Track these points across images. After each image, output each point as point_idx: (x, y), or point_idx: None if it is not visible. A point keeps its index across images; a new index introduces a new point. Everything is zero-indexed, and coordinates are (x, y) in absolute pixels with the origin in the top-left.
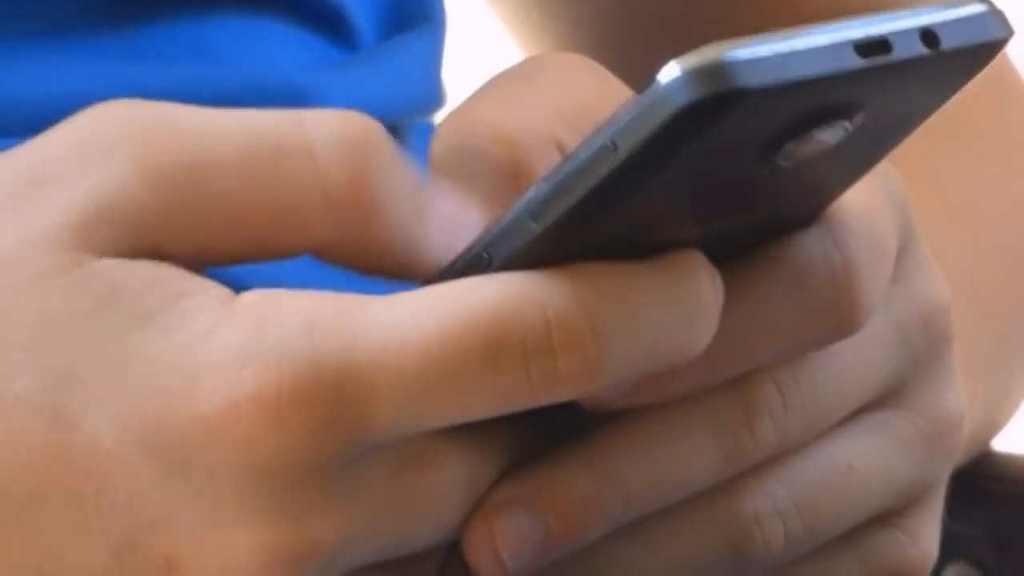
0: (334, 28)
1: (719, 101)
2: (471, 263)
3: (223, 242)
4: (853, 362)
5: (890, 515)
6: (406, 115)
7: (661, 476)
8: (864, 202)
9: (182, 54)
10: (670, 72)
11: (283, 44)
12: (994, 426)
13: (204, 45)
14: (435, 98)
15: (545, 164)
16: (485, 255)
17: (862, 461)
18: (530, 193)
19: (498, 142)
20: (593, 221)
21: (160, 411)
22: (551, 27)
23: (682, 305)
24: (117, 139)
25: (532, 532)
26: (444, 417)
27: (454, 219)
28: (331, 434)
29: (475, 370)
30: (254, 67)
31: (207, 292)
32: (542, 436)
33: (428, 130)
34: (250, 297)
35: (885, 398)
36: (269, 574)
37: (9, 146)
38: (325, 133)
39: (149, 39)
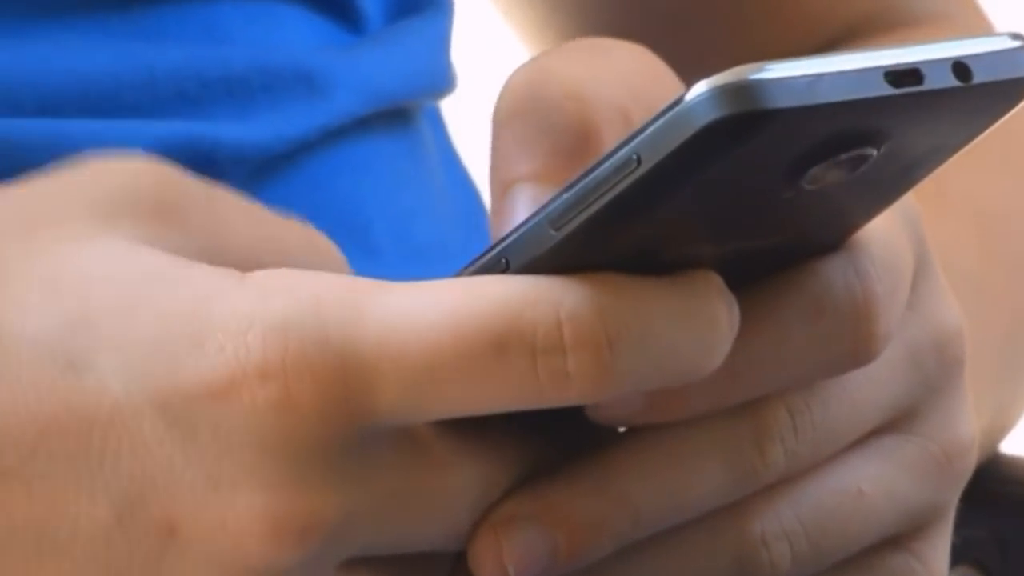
0: (342, 10)
1: (745, 120)
2: (488, 266)
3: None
4: (865, 387)
5: (901, 538)
6: (415, 98)
7: (670, 496)
8: (883, 229)
9: (191, 34)
10: (697, 90)
11: (292, 25)
12: (1001, 430)
13: (213, 26)
14: (444, 81)
15: (612, 130)
16: (503, 259)
17: (871, 485)
18: (552, 201)
19: (571, 99)
20: (612, 233)
21: (167, 364)
22: (555, 22)
23: (695, 323)
24: (128, 168)
25: (540, 548)
26: (448, 406)
27: None
28: (335, 410)
29: (483, 359)
30: (262, 48)
31: (215, 267)
32: (553, 452)
33: (435, 115)
34: (260, 272)
35: (896, 422)
36: (271, 541)
37: (21, 125)
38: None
39: (158, 19)
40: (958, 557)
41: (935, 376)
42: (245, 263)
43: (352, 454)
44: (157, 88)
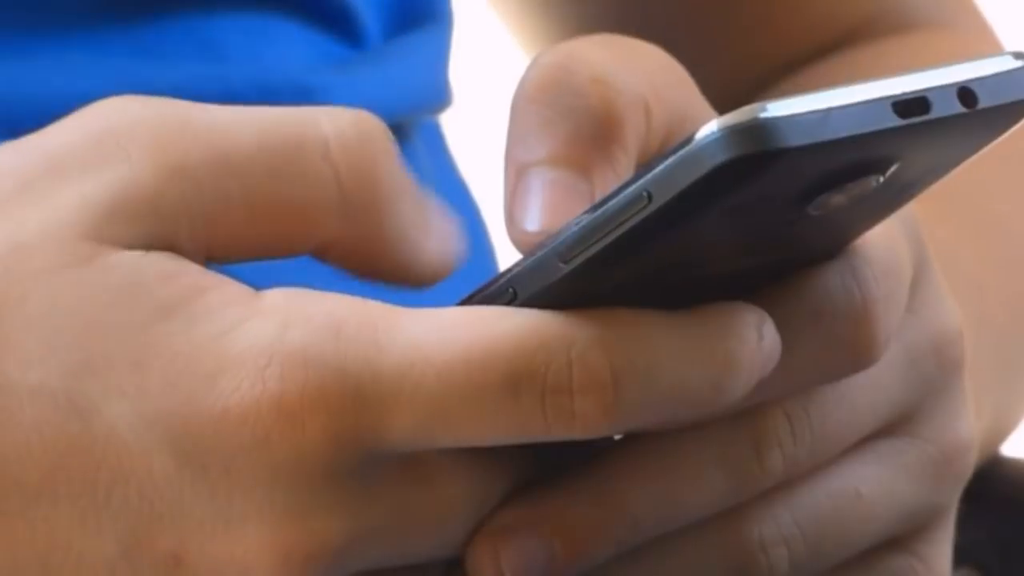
0: (341, 26)
1: (756, 160)
2: (495, 295)
3: (236, 239)
4: (864, 390)
5: (902, 540)
6: (412, 114)
7: (668, 503)
8: (881, 234)
9: (190, 52)
10: (708, 129)
11: (290, 42)
12: (1001, 432)
13: (211, 43)
14: (442, 97)
15: (633, 120)
16: (511, 289)
17: (870, 488)
18: (560, 233)
19: (597, 83)
20: (621, 267)
21: (180, 405)
22: (553, 30)
23: (706, 360)
24: (135, 134)
25: (537, 555)
26: (457, 437)
27: (448, 231)
28: (347, 440)
29: (494, 397)
30: (261, 66)
31: (228, 287)
32: (550, 459)
33: (434, 129)
34: (275, 295)
35: (895, 425)
36: (276, 571)
37: None
38: (339, 130)
39: (157, 37)
40: (958, 559)
41: (934, 378)
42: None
43: (358, 479)
44: None
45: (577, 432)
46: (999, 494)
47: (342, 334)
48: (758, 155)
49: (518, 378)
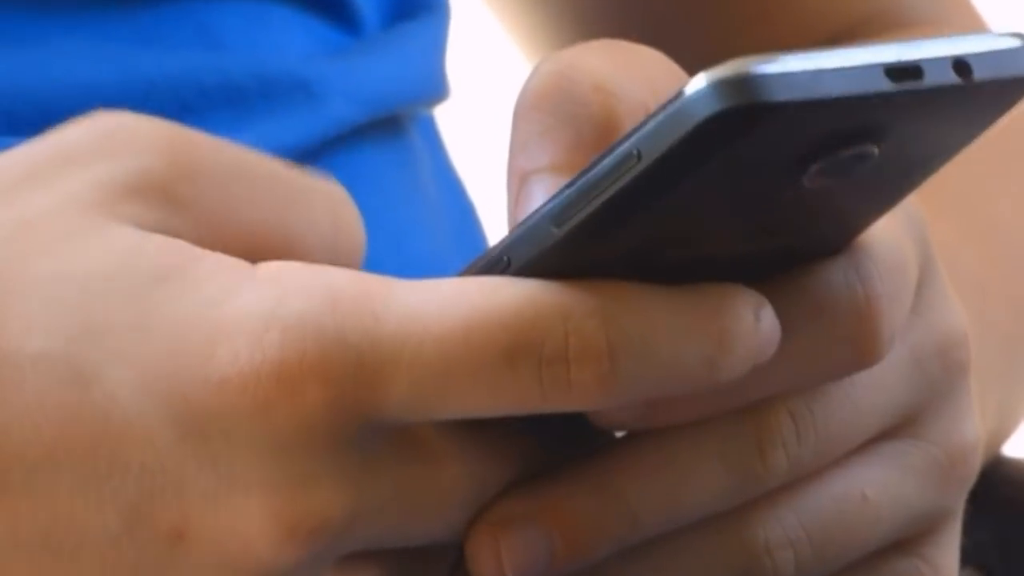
0: (338, 14)
1: (744, 113)
2: (490, 264)
3: (229, 250)
4: (869, 391)
5: (908, 543)
6: (409, 104)
7: (669, 500)
8: (887, 231)
9: (187, 39)
10: (696, 83)
11: (287, 30)
12: (1004, 432)
13: (209, 30)
14: (439, 89)
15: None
16: (505, 258)
17: (875, 490)
18: (553, 198)
19: (599, 91)
20: (614, 230)
21: (180, 372)
22: (549, 25)
23: (701, 337)
24: (148, 134)
25: (538, 549)
26: (454, 407)
27: None
28: (346, 409)
29: (492, 366)
30: (259, 53)
31: (224, 257)
32: (552, 452)
33: (429, 123)
34: (270, 266)
35: (900, 427)
36: (278, 543)
37: (21, 142)
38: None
39: (155, 24)
40: (961, 560)
41: (939, 380)
42: (262, 241)
43: (357, 453)
44: (159, 99)
45: (573, 403)
46: (1001, 495)
47: (340, 304)
48: (746, 107)
49: (515, 348)
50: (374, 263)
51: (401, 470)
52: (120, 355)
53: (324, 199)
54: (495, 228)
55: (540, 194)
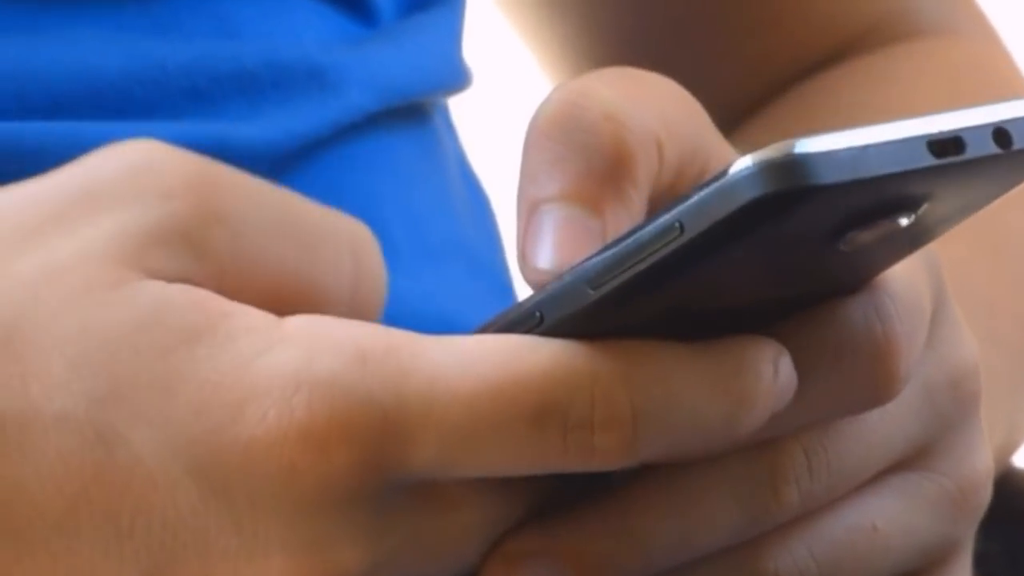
0: (353, 5)
1: (790, 197)
2: (521, 319)
3: (248, 299)
4: (881, 425)
5: (919, 574)
6: (427, 93)
7: (681, 535)
8: (904, 269)
9: (202, 27)
10: (743, 163)
11: (303, 18)
12: (1014, 446)
13: (225, 18)
14: (458, 77)
15: (646, 156)
16: (537, 313)
17: (886, 522)
18: (590, 259)
19: (609, 120)
20: (649, 295)
21: (206, 432)
22: (557, 26)
23: (723, 397)
24: (177, 172)
25: None
26: (479, 467)
27: None
28: (372, 469)
29: (518, 429)
30: (274, 42)
31: (252, 313)
32: (565, 485)
33: (445, 112)
34: (298, 321)
35: (912, 459)
36: None
37: (33, 128)
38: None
39: (170, 12)
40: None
41: (950, 413)
42: (286, 286)
43: (377, 507)
44: (170, 85)
45: (595, 465)
46: (1010, 507)
47: (369, 362)
48: (792, 191)
49: (543, 412)
50: (391, 247)
51: (418, 521)
52: (145, 415)
53: (348, 240)
54: (504, 218)
55: (550, 224)
